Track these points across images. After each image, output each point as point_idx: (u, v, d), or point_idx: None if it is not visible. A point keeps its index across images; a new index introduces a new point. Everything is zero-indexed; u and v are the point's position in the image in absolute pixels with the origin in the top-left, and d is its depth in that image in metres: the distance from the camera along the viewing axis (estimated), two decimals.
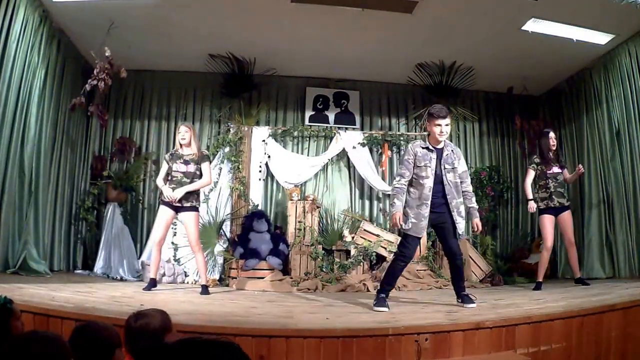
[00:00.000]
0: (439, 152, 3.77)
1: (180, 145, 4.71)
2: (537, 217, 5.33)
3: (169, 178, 4.64)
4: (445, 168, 3.74)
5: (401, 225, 3.69)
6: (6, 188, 4.48)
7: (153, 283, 4.58)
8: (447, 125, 3.73)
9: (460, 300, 3.74)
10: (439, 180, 3.72)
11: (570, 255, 5.11)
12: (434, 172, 3.71)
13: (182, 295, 4.48)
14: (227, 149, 6.48)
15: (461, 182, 3.81)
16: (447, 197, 3.71)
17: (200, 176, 4.69)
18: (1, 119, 4.33)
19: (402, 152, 3.75)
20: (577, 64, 6.25)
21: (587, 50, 5.69)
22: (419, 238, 3.79)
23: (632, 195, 5.39)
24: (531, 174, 5.12)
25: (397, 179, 3.79)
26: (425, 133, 6.70)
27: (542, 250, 5.14)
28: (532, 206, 5.06)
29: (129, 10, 5.05)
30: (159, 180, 4.71)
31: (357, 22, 5.38)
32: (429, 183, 3.69)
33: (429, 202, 3.68)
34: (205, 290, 4.54)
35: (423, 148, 3.77)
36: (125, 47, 5.48)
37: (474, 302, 3.65)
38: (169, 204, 4.57)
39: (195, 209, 4.66)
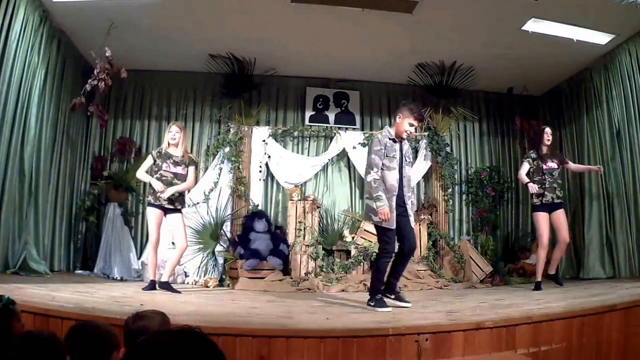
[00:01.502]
0: (400, 145, 3.84)
1: (169, 144, 4.69)
2: (531, 214, 5.35)
3: (159, 177, 4.60)
4: (406, 160, 3.83)
5: (380, 220, 3.58)
6: (6, 188, 4.48)
7: (152, 285, 4.59)
8: (417, 128, 3.94)
9: (393, 298, 3.74)
10: (400, 172, 3.77)
11: (557, 252, 5.10)
12: (398, 163, 3.76)
13: (182, 296, 4.47)
14: (227, 149, 6.47)
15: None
16: (404, 189, 3.76)
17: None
18: (1, 119, 4.33)
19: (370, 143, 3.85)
20: (577, 64, 6.24)
21: (587, 50, 5.69)
22: (394, 229, 3.71)
23: (632, 195, 5.39)
24: (525, 167, 5.14)
25: (374, 169, 3.64)
26: (425, 133, 6.82)
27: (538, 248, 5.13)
28: (533, 186, 4.96)
29: (129, 10, 5.05)
30: (142, 174, 4.67)
31: (357, 22, 5.37)
32: (395, 175, 3.72)
33: (396, 193, 3.71)
34: (163, 285, 4.54)
35: (390, 139, 3.79)
36: (125, 47, 5.48)
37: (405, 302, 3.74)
38: (157, 206, 4.57)
39: (180, 211, 4.72)
